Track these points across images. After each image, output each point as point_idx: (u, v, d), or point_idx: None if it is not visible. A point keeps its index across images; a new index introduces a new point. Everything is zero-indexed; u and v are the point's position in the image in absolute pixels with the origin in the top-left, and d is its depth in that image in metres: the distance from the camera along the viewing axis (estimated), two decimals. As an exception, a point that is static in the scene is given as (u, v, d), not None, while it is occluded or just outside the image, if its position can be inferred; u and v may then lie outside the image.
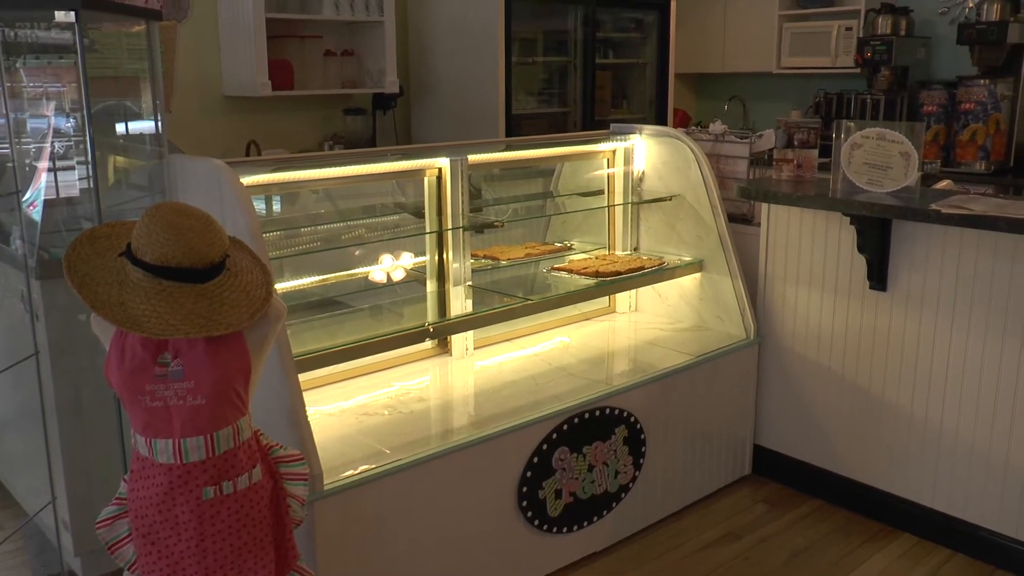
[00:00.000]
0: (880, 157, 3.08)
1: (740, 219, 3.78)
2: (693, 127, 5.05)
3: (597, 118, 5.60)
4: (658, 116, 5.96)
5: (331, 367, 2.85)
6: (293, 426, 2.34)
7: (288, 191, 3.15)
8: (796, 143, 3.49)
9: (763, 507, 3.46)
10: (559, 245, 3.77)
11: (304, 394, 2.42)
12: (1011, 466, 2.95)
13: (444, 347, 3.35)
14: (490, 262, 3.40)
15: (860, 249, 3.18)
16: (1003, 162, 5.20)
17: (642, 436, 3.17)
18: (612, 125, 3.87)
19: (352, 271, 3.18)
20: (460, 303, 3.20)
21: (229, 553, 1.85)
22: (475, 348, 3.39)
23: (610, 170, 3.77)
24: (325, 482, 2.38)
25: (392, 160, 3.12)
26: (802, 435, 3.54)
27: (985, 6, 5.09)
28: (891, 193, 3.06)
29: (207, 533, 1.83)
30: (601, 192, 3.80)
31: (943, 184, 3.65)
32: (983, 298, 2.95)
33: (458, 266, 3.20)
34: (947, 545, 3.14)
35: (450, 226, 3.15)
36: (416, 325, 2.95)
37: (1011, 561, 2.99)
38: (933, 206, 2.89)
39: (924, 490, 3.19)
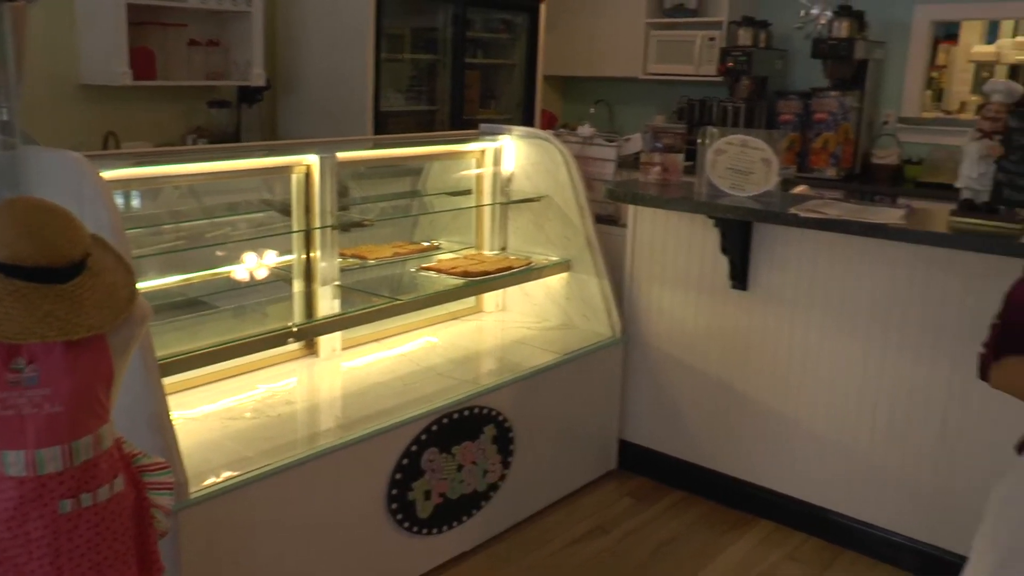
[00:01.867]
0: (743, 163, 3.21)
1: (607, 220, 3.87)
2: (560, 128, 5.13)
3: (465, 117, 5.61)
4: (525, 117, 6.02)
5: (195, 370, 2.75)
6: (157, 432, 2.25)
7: (151, 187, 3.01)
8: (662, 147, 3.60)
9: (629, 501, 3.55)
10: (427, 245, 3.74)
11: (167, 398, 2.33)
12: (858, 453, 3.15)
13: (311, 348, 3.28)
14: (357, 261, 3.35)
15: (723, 250, 3.31)
16: (851, 169, 5.53)
17: (510, 435, 3.20)
18: (481, 125, 3.89)
19: (217, 270, 3.07)
20: (327, 303, 3.14)
21: (88, 570, 1.75)
22: (343, 349, 3.33)
23: (479, 170, 3.78)
24: (190, 490, 2.30)
25: (260, 156, 3.03)
26: (667, 429, 3.65)
27: (835, 23, 5.39)
28: (753, 197, 3.20)
29: (63, 550, 1.72)
30: (469, 192, 3.80)
31: (800, 189, 3.84)
32: (836, 297, 3.13)
33: (325, 265, 3.14)
34: (802, 529, 3.32)
35: (318, 224, 3.09)
36: (281, 326, 2.88)
37: (858, 542, 3.19)
38: (792, 210, 3.04)
39: (781, 478, 3.36)
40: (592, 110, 6.29)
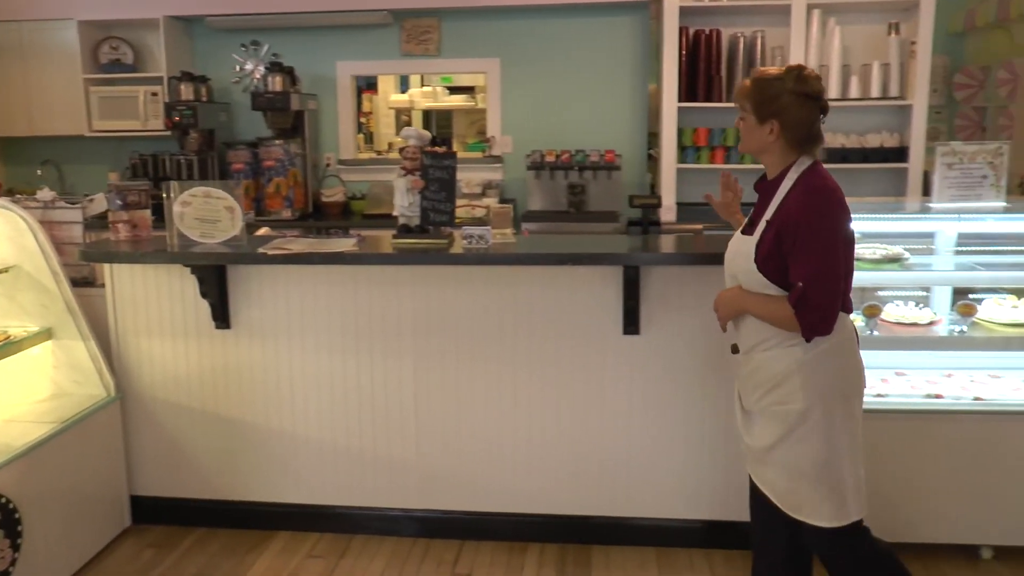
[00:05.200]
0: (209, 212, 3.48)
1: (83, 283, 3.85)
2: (7, 193, 4.87)
3: None
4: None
5: None
6: None
7: None
8: (129, 205, 3.70)
9: (151, 551, 3.61)
10: None
11: None
12: (351, 450, 3.64)
13: None
14: None
15: (203, 295, 3.55)
16: (304, 208, 6.10)
17: (16, 516, 3.07)
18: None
19: None
20: None
21: None
22: None
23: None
24: None
25: None
26: (177, 474, 3.78)
27: (270, 78, 5.91)
28: (223, 243, 3.49)
29: None
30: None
31: (263, 231, 4.23)
32: (313, 320, 3.57)
33: None
34: (316, 530, 3.71)
35: None
36: None
37: (364, 526, 3.69)
38: (260, 249, 3.40)
39: (290, 491, 3.71)
40: (39, 172, 6.00)
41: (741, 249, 2.53)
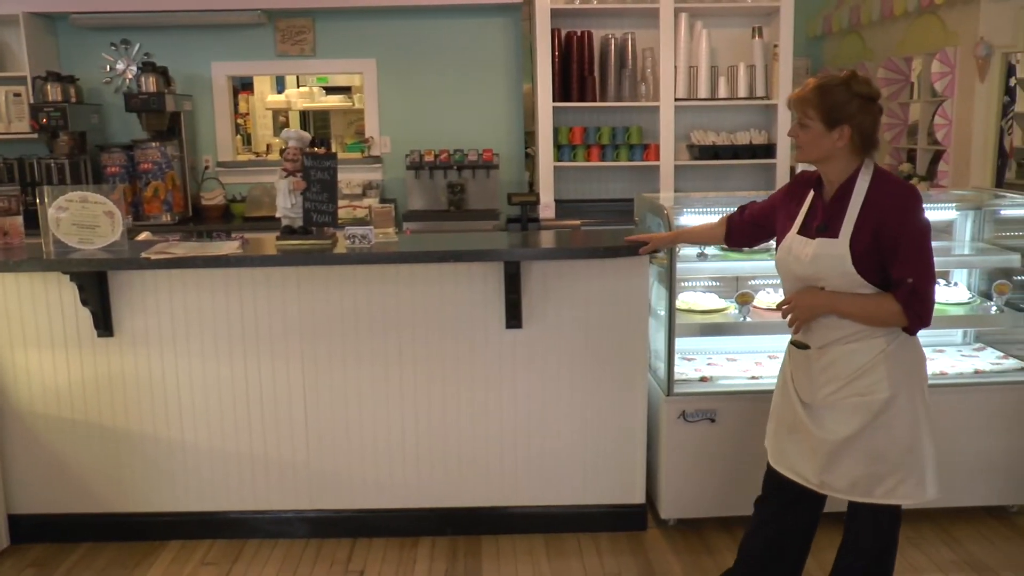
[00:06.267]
0: (87, 218, 3.41)
1: (-50, 293, 3.70)
2: None
3: None
4: None
5: None
6: None
7: None
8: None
9: (32, 571, 3.50)
10: None
11: None
12: (240, 454, 3.64)
13: None
14: None
15: (84, 303, 3.47)
16: (184, 212, 5.99)
17: None
18: None
19: None
20: None
21: None
22: None
23: None
24: None
25: None
26: (59, 490, 3.68)
27: (143, 78, 5.77)
28: (103, 248, 3.43)
29: None
30: None
31: (144, 235, 4.15)
32: (198, 325, 3.55)
33: None
34: (208, 536, 3.69)
35: None
36: None
37: (255, 529, 3.69)
38: (143, 254, 3.35)
39: (179, 499, 3.67)
40: None
41: (827, 252, 2.51)
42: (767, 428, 2.89)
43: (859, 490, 2.59)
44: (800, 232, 2.63)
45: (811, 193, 2.67)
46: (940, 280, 3.95)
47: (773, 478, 2.85)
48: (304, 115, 8.70)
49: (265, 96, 8.44)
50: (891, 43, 6.98)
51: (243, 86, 8.25)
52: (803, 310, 2.61)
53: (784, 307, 2.67)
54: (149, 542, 3.67)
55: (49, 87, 5.77)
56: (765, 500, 2.92)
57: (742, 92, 5.79)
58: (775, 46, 5.76)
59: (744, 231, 3.05)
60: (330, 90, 8.55)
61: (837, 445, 2.59)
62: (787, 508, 2.85)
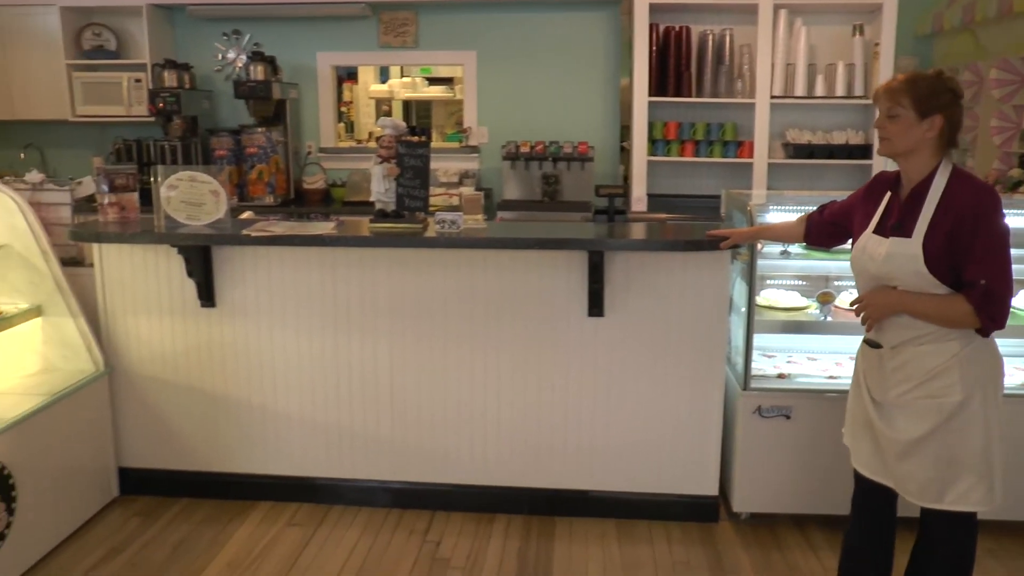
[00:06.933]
0: (194, 196, 3.64)
1: (72, 262, 4.00)
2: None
3: None
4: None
5: None
6: None
7: None
8: (117, 188, 3.86)
9: (137, 520, 3.77)
10: None
11: None
12: (329, 424, 3.82)
13: None
14: None
15: (189, 274, 3.71)
16: (286, 194, 6.25)
17: (11, 481, 3.23)
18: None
19: None
20: None
21: None
22: None
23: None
24: None
25: None
26: (163, 447, 3.94)
27: (252, 67, 6.05)
28: (208, 225, 3.65)
29: None
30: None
31: (246, 215, 4.39)
32: (294, 300, 3.74)
33: None
34: (296, 500, 3.90)
35: None
36: None
37: (341, 496, 3.88)
38: (244, 231, 3.56)
39: (271, 463, 3.89)
40: (23, 155, 6.11)
41: (900, 251, 2.50)
42: (844, 428, 2.89)
43: (930, 495, 2.56)
44: (875, 231, 2.63)
45: (888, 193, 2.66)
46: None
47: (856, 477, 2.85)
48: (407, 104, 8.90)
49: (369, 85, 8.67)
50: (1008, 42, 6.74)
51: (348, 75, 8.50)
52: (875, 308, 2.60)
53: (856, 305, 2.68)
54: (241, 501, 3.90)
55: (166, 74, 6.10)
56: (853, 498, 2.92)
57: (840, 91, 5.71)
58: (876, 44, 5.66)
59: (823, 230, 3.04)
60: (432, 81, 8.72)
61: (908, 445, 2.57)
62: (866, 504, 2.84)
